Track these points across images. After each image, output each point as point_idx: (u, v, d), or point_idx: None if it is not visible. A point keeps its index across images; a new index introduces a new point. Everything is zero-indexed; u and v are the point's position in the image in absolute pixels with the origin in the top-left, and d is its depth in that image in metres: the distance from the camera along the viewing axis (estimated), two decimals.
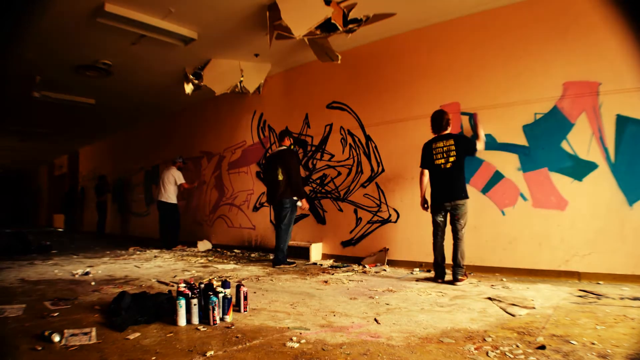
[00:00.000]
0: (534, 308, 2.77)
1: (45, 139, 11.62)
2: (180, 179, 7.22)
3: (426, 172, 4.07)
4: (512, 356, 1.90)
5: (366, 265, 4.91)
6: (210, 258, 6.00)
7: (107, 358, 1.97)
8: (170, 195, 7.14)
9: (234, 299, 2.73)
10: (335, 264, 5.18)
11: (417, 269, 4.59)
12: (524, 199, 4.09)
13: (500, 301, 2.98)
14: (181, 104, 8.26)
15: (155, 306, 2.67)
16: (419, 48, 4.92)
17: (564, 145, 3.88)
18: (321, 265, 5.14)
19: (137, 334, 2.30)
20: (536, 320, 2.50)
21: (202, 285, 2.69)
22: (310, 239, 5.87)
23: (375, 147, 5.25)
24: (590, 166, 3.74)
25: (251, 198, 6.91)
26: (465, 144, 3.89)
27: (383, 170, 5.17)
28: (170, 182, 7.17)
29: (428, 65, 4.83)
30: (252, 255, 6.28)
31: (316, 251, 5.66)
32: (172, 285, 3.74)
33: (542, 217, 3.98)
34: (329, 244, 5.70)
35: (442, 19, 4.68)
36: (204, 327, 2.44)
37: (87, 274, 4.55)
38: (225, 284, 2.74)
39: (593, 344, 2.03)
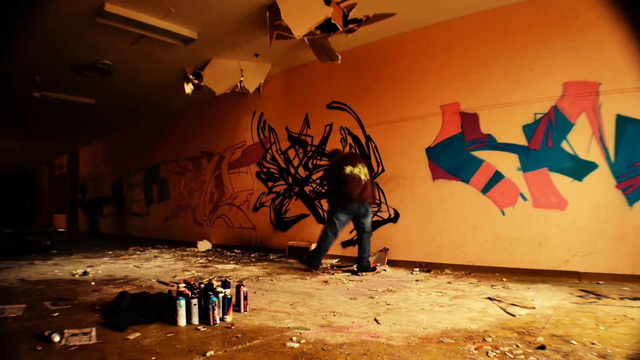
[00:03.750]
0: (534, 308, 2.77)
1: (45, 139, 11.61)
2: None
3: None
4: (512, 356, 1.90)
5: None
6: (210, 258, 6.00)
7: (107, 358, 1.97)
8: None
9: (234, 299, 2.73)
10: (337, 263, 5.18)
11: (417, 269, 4.59)
12: (524, 199, 4.09)
13: (500, 301, 2.98)
14: (181, 104, 8.26)
15: (155, 306, 2.67)
16: (419, 48, 4.92)
17: (564, 145, 3.88)
18: (321, 264, 5.14)
19: (137, 334, 2.30)
20: (536, 320, 2.49)
21: (202, 285, 2.69)
22: (310, 239, 5.86)
23: (375, 147, 5.25)
24: (590, 166, 3.74)
25: (251, 198, 6.91)
26: None
27: (383, 170, 5.17)
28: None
29: (428, 65, 4.83)
30: (252, 255, 6.28)
31: None
32: (172, 285, 3.74)
33: (542, 217, 3.98)
34: None
35: (442, 19, 4.68)
36: (204, 327, 2.44)
37: (86, 274, 4.55)
38: (225, 284, 2.74)
39: (593, 344, 2.03)
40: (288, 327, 2.43)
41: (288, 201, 6.28)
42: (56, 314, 2.78)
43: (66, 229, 14.48)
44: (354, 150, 5.41)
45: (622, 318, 2.47)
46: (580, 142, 3.80)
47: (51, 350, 2.08)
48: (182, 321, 2.48)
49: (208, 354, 1.99)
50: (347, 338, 2.21)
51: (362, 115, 5.42)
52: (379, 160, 5.21)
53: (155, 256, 6.30)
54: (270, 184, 6.59)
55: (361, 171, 4.43)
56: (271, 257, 5.92)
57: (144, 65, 6.10)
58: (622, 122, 3.60)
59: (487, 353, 1.94)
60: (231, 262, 5.55)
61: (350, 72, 5.56)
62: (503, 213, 4.21)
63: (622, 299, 2.97)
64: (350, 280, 3.99)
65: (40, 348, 2.09)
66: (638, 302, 2.86)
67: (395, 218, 5.03)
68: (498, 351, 1.96)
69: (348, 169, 4.39)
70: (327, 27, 4.35)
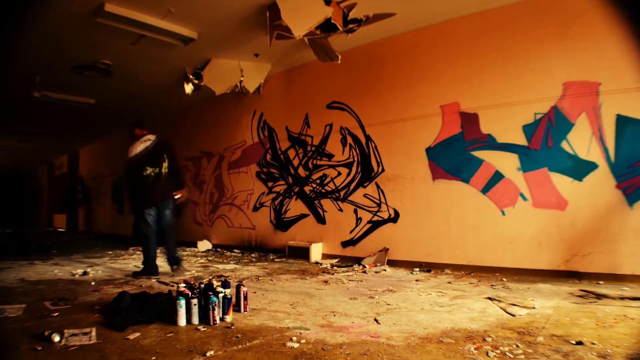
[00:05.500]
0: (534, 308, 2.77)
1: (45, 139, 11.61)
2: None
3: None
4: (512, 356, 1.90)
5: (366, 265, 4.91)
6: (210, 258, 6.00)
7: (107, 358, 1.97)
8: None
9: (234, 299, 2.73)
10: (337, 263, 5.18)
11: (417, 269, 4.59)
12: (524, 199, 4.09)
13: (500, 301, 2.98)
14: (181, 104, 8.26)
15: (155, 306, 2.67)
16: (419, 48, 4.92)
17: (564, 145, 3.88)
18: (321, 265, 5.14)
19: (137, 334, 2.30)
20: (536, 320, 2.49)
21: (202, 285, 2.69)
22: (310, 239, 5.87)
23: (375, 147, 5.25)
24: (590, 166, 3.74)
25: (251, 198, 6.91)
26: None
27: (383, 170, 5.17)
28: None
29: (428, 65, 4.83)
30: (252, 255, 6.28)
31: (316, 251, 5.66)
32: (172, 285, 3.74)
33: (542, 217, 3.98)
34: (329, 244, 5.70)
35: (442, 19, 4.68)
36: (204, 327, 2.44)
37: (87, 274, 4.55)
38: (225, 284, 2.75)
39: (593, 344, 2.03)
40: (288, 327, 2.43)
41: (288, 201, 6.28)
42: (56, 314, 2.78)
43: (66, 229, 14.47)
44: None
45: (622, 318, 2.48)
46: (580, 142, 3.80)
47: (51, 350, 2.08)
48: (182, 321, 2.48)
49: (208, 354, 1.99)
50: (347, 338, 2.21)
51: (362, 115, 5.42)
52: (379, 160, 5.21)
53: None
54: (270, 184, 6.59)
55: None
56: (271, 257, 5.93)
57: (144, 65, 6.09)
58: (622, 122, 3.60)
59: (487, 353, 1.94)
60: (231, 262, 5.55)
61: (350, 72, 5.56)
62: (503, 213, 4.21)
63: (622, 299, 2.97)
64: (350, 280, 3.99)
65: (40, 348, 2.09)
66: (638, 302, 2.86)
67: (395, 218, 5.03)
68: (498, 351, 1.96)
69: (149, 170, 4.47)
70: (327, 27, 4.34)
